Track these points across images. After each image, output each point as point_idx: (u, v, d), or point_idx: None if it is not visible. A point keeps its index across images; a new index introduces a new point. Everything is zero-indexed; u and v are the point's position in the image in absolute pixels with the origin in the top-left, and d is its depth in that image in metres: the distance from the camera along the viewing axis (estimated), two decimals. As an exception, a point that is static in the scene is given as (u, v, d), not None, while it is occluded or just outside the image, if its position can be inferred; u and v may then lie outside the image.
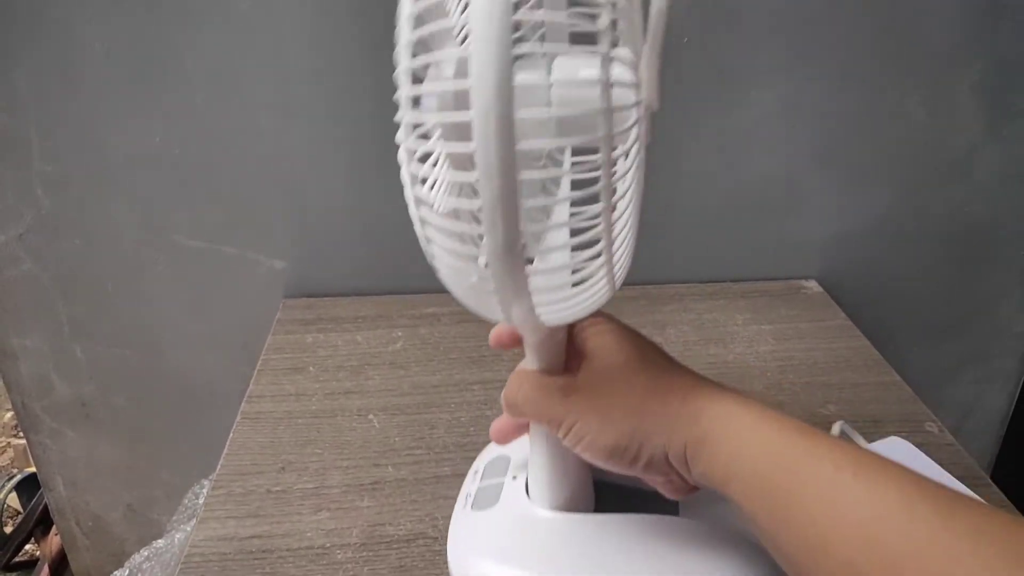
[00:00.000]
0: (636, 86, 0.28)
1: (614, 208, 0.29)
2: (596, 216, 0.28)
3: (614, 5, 0.26)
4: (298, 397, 0.62)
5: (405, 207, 0.30)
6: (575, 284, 0.32)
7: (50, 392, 0.79)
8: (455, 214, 0.29)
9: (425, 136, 0.28)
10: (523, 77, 0.30)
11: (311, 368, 0.66)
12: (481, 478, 0.46)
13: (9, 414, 1.65)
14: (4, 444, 1.60)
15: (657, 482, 0.38)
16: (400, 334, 0.70)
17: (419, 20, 0.27)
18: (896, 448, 0.55)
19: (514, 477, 0.44)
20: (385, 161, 0.69)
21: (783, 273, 0.79)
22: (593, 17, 0.26)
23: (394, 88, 0.27)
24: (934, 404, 0.87)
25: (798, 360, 0.67)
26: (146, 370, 0.79)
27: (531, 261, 0.30)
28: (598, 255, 0.30)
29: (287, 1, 0.64)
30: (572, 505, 0.41)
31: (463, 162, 0.27)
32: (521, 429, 0.41)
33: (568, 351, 0.38)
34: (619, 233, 0.30)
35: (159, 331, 0.77)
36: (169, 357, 0.78)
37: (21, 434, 1.62)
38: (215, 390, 0.80)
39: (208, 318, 0.77)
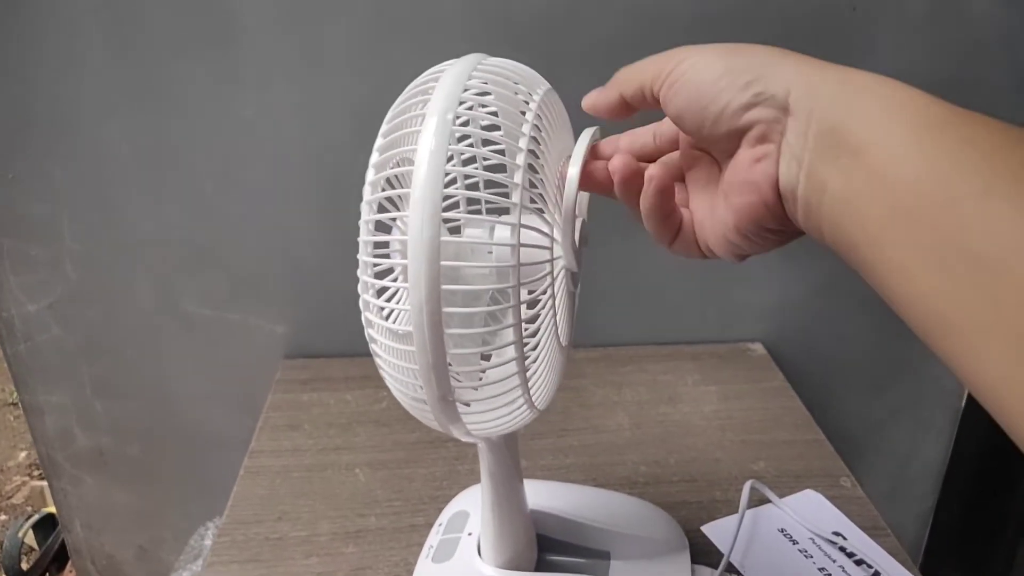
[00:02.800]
0: (550, 248, 0.36)
1: (526, 345, 0.36)
2: (510, 356, 0.36)
3: (529, 184, 0.34)
4: (294, 452, 0.70)
5: None
6: (501, 407, 0.38)
7: (72, 443, 0.88)
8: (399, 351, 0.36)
9: (380, 274, 0.37)
10: (470, 233, 0.39)
11: (306, 425, 0.74)
12: (443, 531, 0.54)
13: (23, 454, 1.74)
14: (19, 483, 1.68)
15: (738, 163, 0.32)
16: (385, 394, 0.78)
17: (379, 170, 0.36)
18: (809, 500, 0.63)
19: (469, 533, 0.51)
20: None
21: (731, 336, 0.88)
22: (507, 194, 0.35)
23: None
24: (875, 454, 0.96)
25: (737, 419, 0.75)
26: (158, 423, 0.87)
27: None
28: (517, 386, 0.37)
29: (285, 108, 0.73)
30: (517, 562, 0.49)
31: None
32: (612, 103, 0.36)
33: None
34: (534, 365, 0.38)
35: (171, 388, 0.86)
36: (179, 411, 0.87)
37: (36, 474, 1.71)
38: (220, 440, 0.88)
39: (215, 377, 0.85)
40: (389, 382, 0.38)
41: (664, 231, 0.36)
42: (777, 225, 0.32)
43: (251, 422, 0.75)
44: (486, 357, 0.38)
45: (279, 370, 0.83)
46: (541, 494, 0.54)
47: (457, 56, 0.37)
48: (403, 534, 0.61)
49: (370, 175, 0.36)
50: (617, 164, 0.35)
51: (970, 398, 0.95)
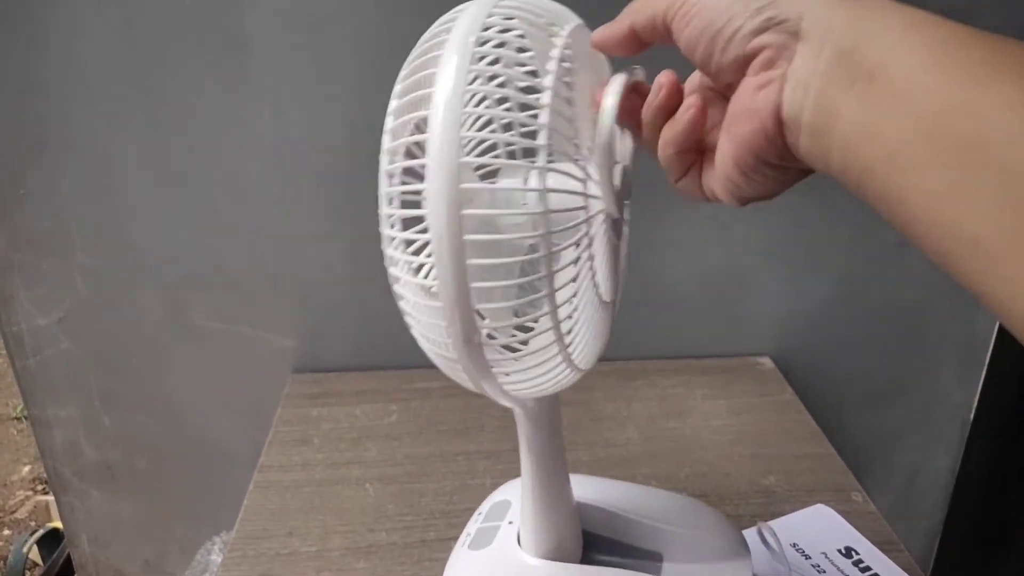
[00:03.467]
0: (585, 194, 0.33)
1: (563, 300, 0.34)
2: (544, 310, 0.33)
3: (552, 128, 0.31)
4: (304, 467, 0.70)
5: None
6: (538, 364, 0.35)
7: (79, 457, 0.88)
8: (426, 296, 0.34)
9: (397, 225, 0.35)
10: (504, 182, 0.36)
11: (315, 440, 0.74)
12: (483, 519, 0.51)
13: (26, 468, 1.73)
14: (23, 498, 1.68)
15: (741, 92, 0.31)
16: (395, 408, 0.79)
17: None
18: (820, 515, 0.63)
19: (510, 522, 0.48)
20: (379, 253, 0.79)
21: (740, 350, 0.88)
22: (532, 136, 0.32)
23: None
24: (884, 467, 0.96)
25: (747, 433, 0.75)
26: (166, 436, 0.87)
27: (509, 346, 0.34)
28: (552, 341, 0.34)
29: (294, 123, 0.74)
30: (559, 554, 0.45)
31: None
32: (622, 35, 0.35)
33: None
34: (569, 320, 0.34)
35: (179, 402, 0.86)
36: (187, 425, 0.87)
37: (40, 488, 1.70)
38: (227, 454, 0.88)
39: (223, 391, 0.85)
40: (420, 340, 0.36)
41: (677, 164, 0.35)
42: (777, 159, 0.31)
43: (259, 436, 0.75)
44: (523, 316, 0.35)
45: (288, 384, 0.83)
46: (587, 488, 0.50)
47: None
48: (415, 549, 0.61)
49: (388, 123, 0.34)
50: (664, 79, 0.34)
51: (979, 412, 0.95)
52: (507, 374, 0.35)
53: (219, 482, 0.89)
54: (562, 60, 0.33)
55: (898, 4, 0.27)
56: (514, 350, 0.35)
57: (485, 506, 0.53)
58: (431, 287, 0.33)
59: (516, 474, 0.67)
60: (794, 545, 0.60)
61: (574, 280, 0.34)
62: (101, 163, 0.75)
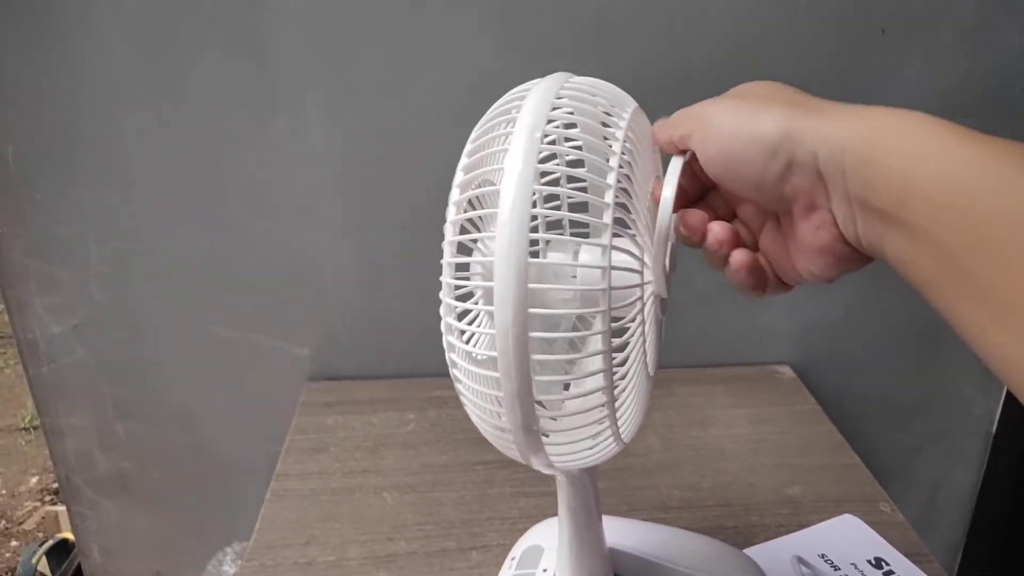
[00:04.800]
0: (640, 272, 0.34)
1: (615, 374, 0.34)
2: (598, 385, 0.34)
3: (619, 204, 0.33)
4: (321, 475, 0.69)
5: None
6: (587, 438, 0.36)
7: (92, 466, 0.87)
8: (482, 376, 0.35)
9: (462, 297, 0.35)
10: (553, 256, 0.37)
11: (332, 448, 0.73)
12: (517, 566, 0.51)
13: (35, 479, 1.73)
14: (31, 508, 1.67)
15: (801, 231, 0.33)
16: (411, 416, 0.78)
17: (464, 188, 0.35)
18: (848, 525, 0.62)
19: (544, 570, 0.49)
20: (396, 260, 0.79)
21: (759, 359, 0.87)
22: (595, 215, 0.33)
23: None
24: (904, 480, 0.94)
25: (770, 443, 0.74)
26: (180, 446, 0.86)
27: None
28: (604, 417, 0.35)
29: (315, 132, 0.73)
30: None
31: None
32: (664, 143, 0.37)
33: None
34: (623, 395, 0.35)
35: (193, 411, 0.85)
36: (201, 434, 0.86)
37: (48, 499, 1.70)
38: (241, 464, 0.87)
39: (238, 400, 0.85)
40: (469, 409, 0.36)
41: (754, 293, 0.38)
42: (858, 258, 0.33)
43: (274, 446, 0.74)
44: (566, 386, 0.37)
45: (303, 392, 0.82)
46: (617, 531, 0.51)
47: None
48: (435, 558, 0.60)
49: (454, 195, 0.35)
50: (716, 232, 0.37)
51: (1001, 424, 0.93)
52: (558, 451, 0.36)
53: (232, 493, 0.88)
54: (625, 142, 0.34)
55: (900, 120, 0.28)
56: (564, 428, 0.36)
57: (517, 550, 0.54)
58: (485, 359, 0.34)
59: (536, 484, 0.67)
60: (822, 556, 0.58)
61: (627, 356, 0.35)
62: (118, 169, 0.74)
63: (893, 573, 0.57)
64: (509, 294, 0.31)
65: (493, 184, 0.32)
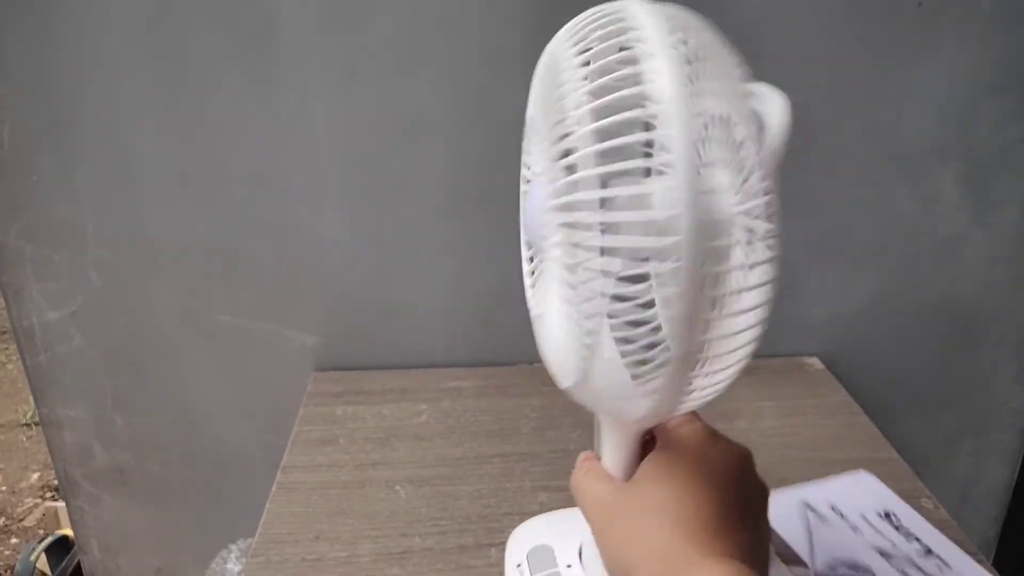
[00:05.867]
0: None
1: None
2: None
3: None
4: (329, 468, 0.66)
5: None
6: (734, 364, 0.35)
7: (90, 460, 0.84)
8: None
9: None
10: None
11: (341, 440, 0.70)
12: (531, 571, 0.47)
13: (35, 475, 1.70)
14: (31, 505, 1.64)
15: None
16: (424, 407, 0.74)
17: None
18: (861, 480, 0.61)
19: (568, 565, 0.45)
20: (407, 246, 0.76)
21: (786, 350, 0.83)
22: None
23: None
24: (936, 476, 0.91)
25: (800, 436, 0.70)
26: (180, 439, 0.83)
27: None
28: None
29: (319, 110, 0.70)
30: None
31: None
32: None
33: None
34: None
35: (195, 402, 0.82)
36: (203, 427, 0.83)
37: (49, 496, 1.67)
38: (245, 458, 0.84)
39: (242, 390, 0.81)
40: (608, 353, 0.33)
41: None
42: None
43: (278, 439, 0.71)
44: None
45: (310, 382, 0.79)
46: None
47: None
48: (451, 555, 0.56)
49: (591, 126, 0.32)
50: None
51: (1036, 418, 0.90)
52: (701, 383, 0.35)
53: (235, 488, 0.85)
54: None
55: None
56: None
57: (518, 557, 0.50)
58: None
59: (555, 478, 0.63)
60: (833, 507, 0.58)
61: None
62: (118, 150, 0.71)
63: (902, 527, 0.56)
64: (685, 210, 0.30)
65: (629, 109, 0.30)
